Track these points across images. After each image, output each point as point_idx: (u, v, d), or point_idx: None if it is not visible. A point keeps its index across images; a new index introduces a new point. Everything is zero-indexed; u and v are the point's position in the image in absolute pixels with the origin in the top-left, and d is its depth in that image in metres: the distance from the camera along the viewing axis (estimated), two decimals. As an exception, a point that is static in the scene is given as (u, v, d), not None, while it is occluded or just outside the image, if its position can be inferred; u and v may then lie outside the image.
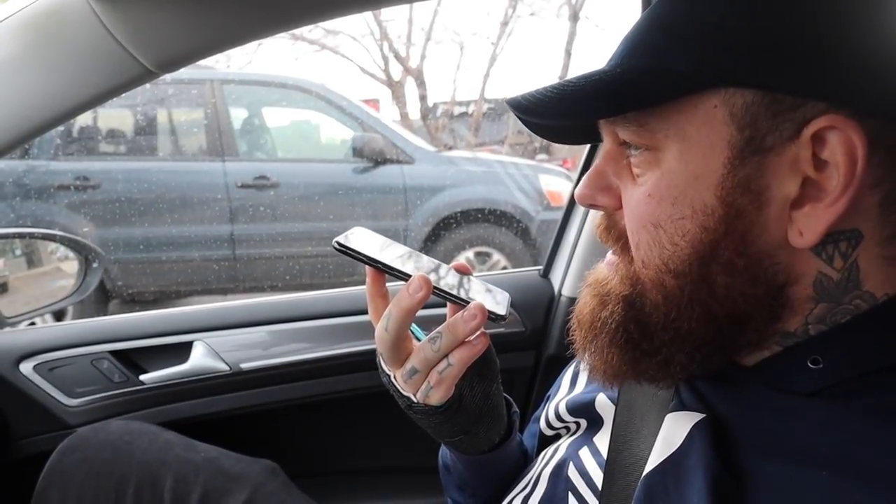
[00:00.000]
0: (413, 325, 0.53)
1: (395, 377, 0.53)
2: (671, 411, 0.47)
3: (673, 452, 0.43)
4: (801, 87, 0.38)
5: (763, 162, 0.39)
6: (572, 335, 0.49)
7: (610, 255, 0.49)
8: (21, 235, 1.94)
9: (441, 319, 0.54)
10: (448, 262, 0.55)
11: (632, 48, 0.43)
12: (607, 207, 0.47)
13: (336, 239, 0.50)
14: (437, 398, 0.51)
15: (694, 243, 0.41)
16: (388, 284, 0.53)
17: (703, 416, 0.44)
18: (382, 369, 0.55)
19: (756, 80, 0.38)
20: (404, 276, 0.50)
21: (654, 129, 0.41)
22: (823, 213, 0.38)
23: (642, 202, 0.42)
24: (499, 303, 0.52)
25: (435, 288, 0.49)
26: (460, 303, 0.50)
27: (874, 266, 0.40)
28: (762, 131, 0.38)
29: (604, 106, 0.42)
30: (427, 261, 0.54)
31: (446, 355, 0.49)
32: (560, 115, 0.44)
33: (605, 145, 0.47)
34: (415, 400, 0.53)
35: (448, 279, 0.52)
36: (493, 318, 0.50)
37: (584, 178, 0.47)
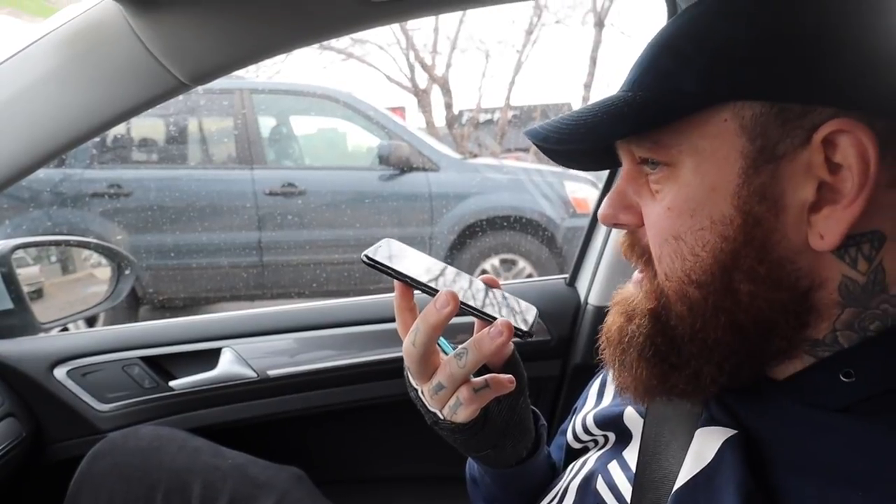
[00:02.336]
0: (441, 338, 0.53)
1: (422, 392, 0.53)
2: (701, 426, 0.46)
3: (704, 468, 0.43)
4: (807, 94, 0.39)
5: (777, 169, 0.40)
6: (602, 353, 0.50)
7: (636, 274, 0.49)
8: (57, 243, 1.99)
9: (470, 326, 0.54)
10: (473, 270, 0.55)
11: (642, 72, 0.45)
12: (630, 225, 0.48)
13: (365, 252, 0.51)
14: (463, 416, 0.50)
15: (715, 253, 0.41)
16: (416, 298, 0.53)
17: (735, 432, 0.43)
18: (410, 384, 0.55)
19: (762, 92, 0.39)
20: (432, 291, 0.50)
21: (669, 145, 0.42)
22: (842, 215, 0.39)
23: (663, 216, 0.44)
24: (525, 318, 0.52)
25: (462, 303, 0.49)
26: (487, 318, 0.50)
27: None
28: (773, 140, 0.39)
29: (618, 128, 0.44)
30: (455, 274, 0.54)
31: (472, 371, 0.49)
32: (578, 139, 0.46)
33: (624, 166, 0.48)
34: (441, 416, 0.52)
35: (476, 293, 0.52)
36: (519, 334, 0.50)
37: (606, 198, 0.49)
